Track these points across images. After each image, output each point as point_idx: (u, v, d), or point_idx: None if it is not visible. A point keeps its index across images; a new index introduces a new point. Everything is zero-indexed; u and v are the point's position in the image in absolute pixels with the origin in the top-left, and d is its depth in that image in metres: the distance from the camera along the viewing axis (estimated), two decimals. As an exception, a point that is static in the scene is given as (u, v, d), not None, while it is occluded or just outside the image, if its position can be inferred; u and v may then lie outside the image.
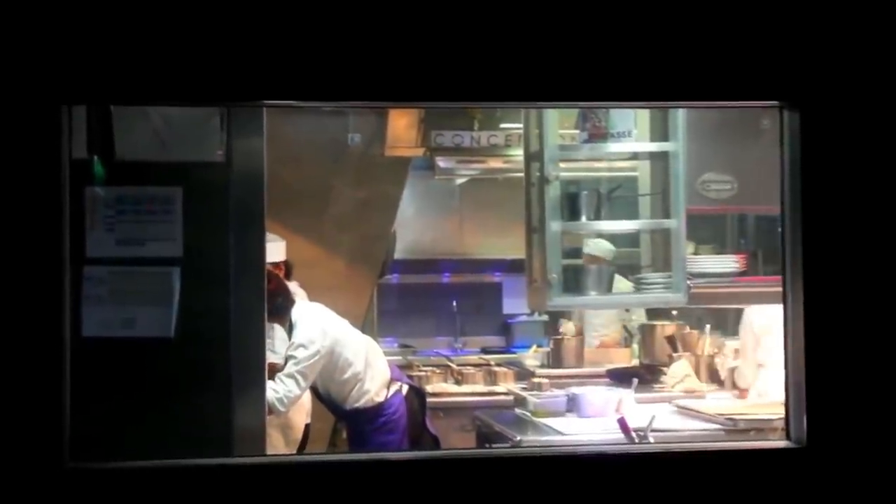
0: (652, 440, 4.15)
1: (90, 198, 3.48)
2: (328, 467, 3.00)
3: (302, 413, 5.89)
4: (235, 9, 2.81)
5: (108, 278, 3.49)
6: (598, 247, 6.01)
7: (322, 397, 5.74)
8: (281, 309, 5.52)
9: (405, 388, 5.72)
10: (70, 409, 2.82)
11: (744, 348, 5.28)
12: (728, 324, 6.62)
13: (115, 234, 3.50)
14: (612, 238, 5.88)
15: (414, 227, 9.04)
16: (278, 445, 5.53)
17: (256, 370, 3.62)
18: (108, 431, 3.36)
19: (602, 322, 7.09)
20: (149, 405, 3.49)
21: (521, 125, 5.67)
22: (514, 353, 7.95)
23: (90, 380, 3.40)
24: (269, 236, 5.84)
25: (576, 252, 5.82)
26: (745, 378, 5.20)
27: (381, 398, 5.65)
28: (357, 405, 5.63)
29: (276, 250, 5.94)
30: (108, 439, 3.34)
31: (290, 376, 5.38)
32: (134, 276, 3.51)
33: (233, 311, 3.55)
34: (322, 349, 5.46)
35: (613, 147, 5.09)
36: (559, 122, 5.22)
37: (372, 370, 5.65)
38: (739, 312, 6.20)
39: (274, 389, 5.21)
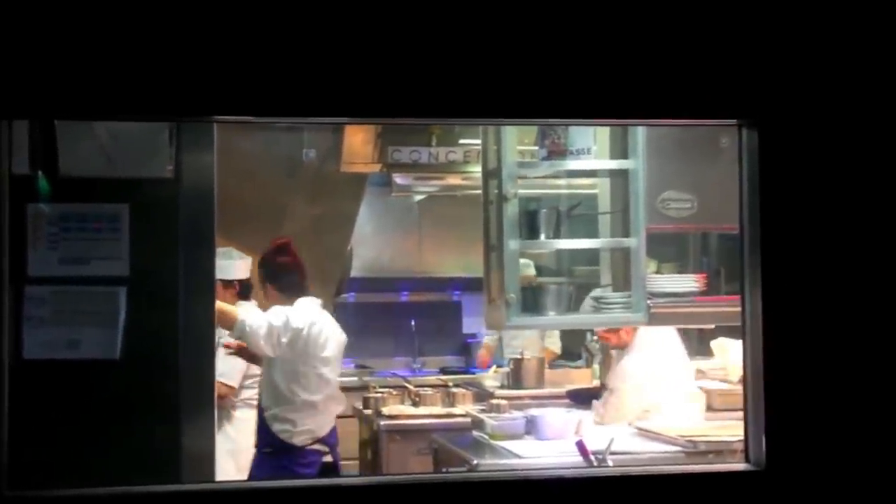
0: (611, 463, 4.16)
1: (33, 215, 3.45)
2: (280, 494, 2.97)
3: (252, 437, 5.84)
4: (184, 20, 2.79)
5: (51, 298, 3.45)
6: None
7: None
8: (292, 287, 5.47)
9: (327, 458, 5.55)
10: (9, 435, 2.77)
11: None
12: (691, 344, 6.67)
13: (59, 253, 3.46)
14: (573, 256, 5.90)
15: (371, 244, 9.03)
16: (228, 470, 5.46)
17: (206, 393, 3.59)
18: (51, 458, 3.32)
19: (520, 343, 7.16)
20: (93, 430, 3.45)
21: (479, 141, 5.69)
22: (473, 373, 7.95)
23: (31, 404, 3.36)
24: (234, 253, 5.86)
25: (535, 271, 5.84)
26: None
27: (298, 442, 5.48)
28: (272, 426, 5.49)
29: (243, 267, 5.94)
30: (50, 466, 3.30)
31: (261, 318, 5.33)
32: (78, 296, 3.48)
33: (182, 332, 3.53)
34: (285, 341, 5.38)
35: (572, 164, 5.10)
36: (518, 139, 5.23)
37: (311, 413, 5.50)
38: (702, 332, 6.26)
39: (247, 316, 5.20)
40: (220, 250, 5.34)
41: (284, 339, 5.40)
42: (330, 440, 5.56)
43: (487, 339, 7.93)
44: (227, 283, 5.78)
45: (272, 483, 3.97)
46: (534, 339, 7.30)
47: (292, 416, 5.46)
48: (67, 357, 3.44)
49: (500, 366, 7.45)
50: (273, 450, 5.45)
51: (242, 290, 6.08)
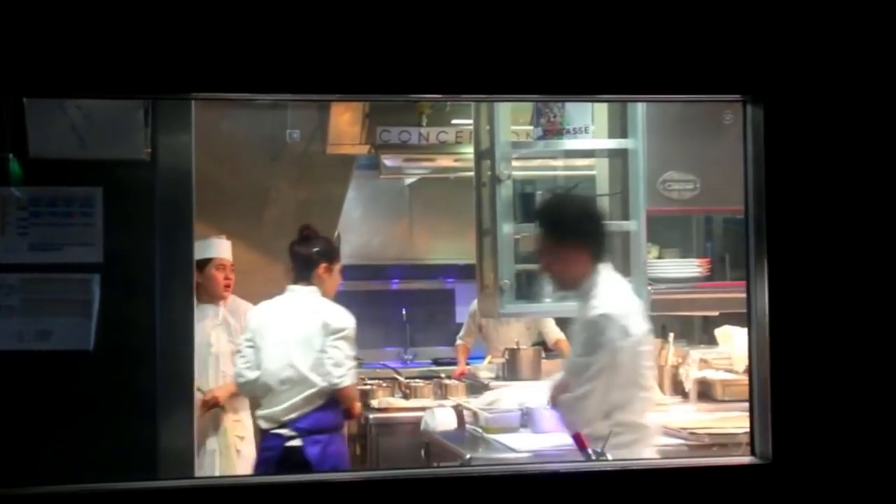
0: (610, 457, 4.15)
1: (1, 198, 3.43)
2: (262, 490, 2.96)
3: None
4: (158, -7, 2.76)
5: (21, 286, 3.44)
6: None
7: None
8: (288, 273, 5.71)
9: (293, 442, 5.60)
10: (-24, 430, 2.76)
11: None
12: (694, 332, 6.67)
13: (29, 239, 3.45)
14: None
15: (360, 230, 9.02)
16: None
17: (184, 386, 3.57)
18: (21, 454, 3.30)
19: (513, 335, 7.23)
20: (66, 425, 3.43)
21: (471, 121, 5.67)
22: (467, 364, 7.95)
23: (0, 398, 3.35)
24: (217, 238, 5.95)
25: (530, 256, 5.83)
26: None
27: (263, 425, 5.62)
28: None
29: (226, 248, 6.08)
30: (20, 462, 3.28)
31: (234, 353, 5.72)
32: (49, 283, 3.46)
33: (158, 322, 3.51)
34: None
35: (569, 144, 5.09)
36: (512, 118, 5.22)
37: (271, 398, 5.58)
38: (706, 320, 6.26)
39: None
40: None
41: (250, 333, 5.67)
42: (298, 424, 5.58)
43: (461, 340, 7.92)
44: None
45: (252, 479, 3.97)
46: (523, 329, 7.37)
47: (260, 400, 5.65)
48: (38, 348, 3.42)
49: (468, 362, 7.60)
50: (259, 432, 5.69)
51: None
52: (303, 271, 5.69)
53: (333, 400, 5.59)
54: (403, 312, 9.40)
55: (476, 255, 5.46)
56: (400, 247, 9.24)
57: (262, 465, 5.57)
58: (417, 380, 6.79)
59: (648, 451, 4.24)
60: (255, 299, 6.30)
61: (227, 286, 6.05)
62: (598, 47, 2.90)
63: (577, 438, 4.19)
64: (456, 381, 6.68)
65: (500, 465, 4.41)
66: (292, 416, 5.52)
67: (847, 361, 2.95)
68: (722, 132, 4.64)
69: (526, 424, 4.98)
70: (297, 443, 5.53)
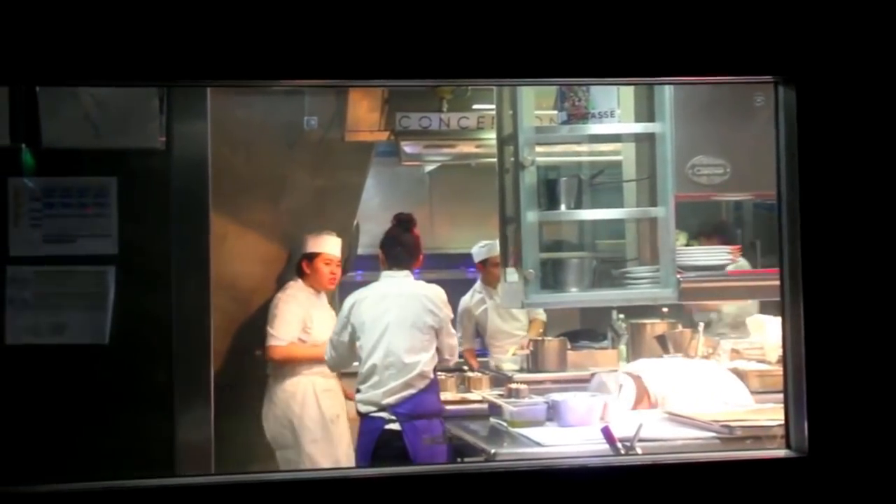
0: (639, 451, 4.14)
1: (13, 189, 3.45)
2: (283, 487, 2.97)
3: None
4: (173, -22, 2.77)
5: (35, 279, 3.46)
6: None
7: None
8: (385, 261, 5.85)
9: (392, 426, 5.69)
10: (-8, 426, 2.78)
11: None
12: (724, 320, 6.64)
13: (43, 230, 3.47)
14: (596, 228, 5.87)
15: (379, 218, 8.96)
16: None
17: (201, 380, 3.59)
18: (36, 450, 3.33)
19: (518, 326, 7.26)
20: (81, 420, 3.46)
21: (493, 106, 5.66)
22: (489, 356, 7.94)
23: (14, 393, 3.37)
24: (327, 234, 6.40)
25: (556, 245, 5.83)
26: None
27: (362, 409, 5.74)
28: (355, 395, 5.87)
29: (334, 244, 6.48)
30: (35, 459, 3.31)
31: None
32: (64, 276, 3.48)
33: (175, 314, 3.53)
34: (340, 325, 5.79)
35: (595, 129, 5.07)
36: (535, 103, 5.20)
37: (370, 383, 5.69)
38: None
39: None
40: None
41: (343, 320, 5.81)
42: (397, 409, 5.66)
43: (466, 345, 7.86)
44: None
45: (272, 475, 3.97)
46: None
47: (359, 385, 5.77)
48: (53, 342, 3.44)
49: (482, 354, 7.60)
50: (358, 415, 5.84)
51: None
52: (405, 258, 5.84)
53: (433, 384, 5.72)
54: (424, 303, 9.38)
55: (500, 243, 5.46)
56: (420, 236, 9.23)
57: (361, 448, 5.74)
58: (440, 372, 6.78)
59: None
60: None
61: (332, 280, 6.50)
62: (626, 28, 2.89)
63: (606, 432, 4.19)
64: (480, 374, 6.67)
65: (526, 460, 4.40)
66: (391, 400, 5.64)
67: (885, 351, 2.93)
68: (752, 115, 4.61)
69: (552, 418, 4.97)
70: (395, 426, 5.65)
